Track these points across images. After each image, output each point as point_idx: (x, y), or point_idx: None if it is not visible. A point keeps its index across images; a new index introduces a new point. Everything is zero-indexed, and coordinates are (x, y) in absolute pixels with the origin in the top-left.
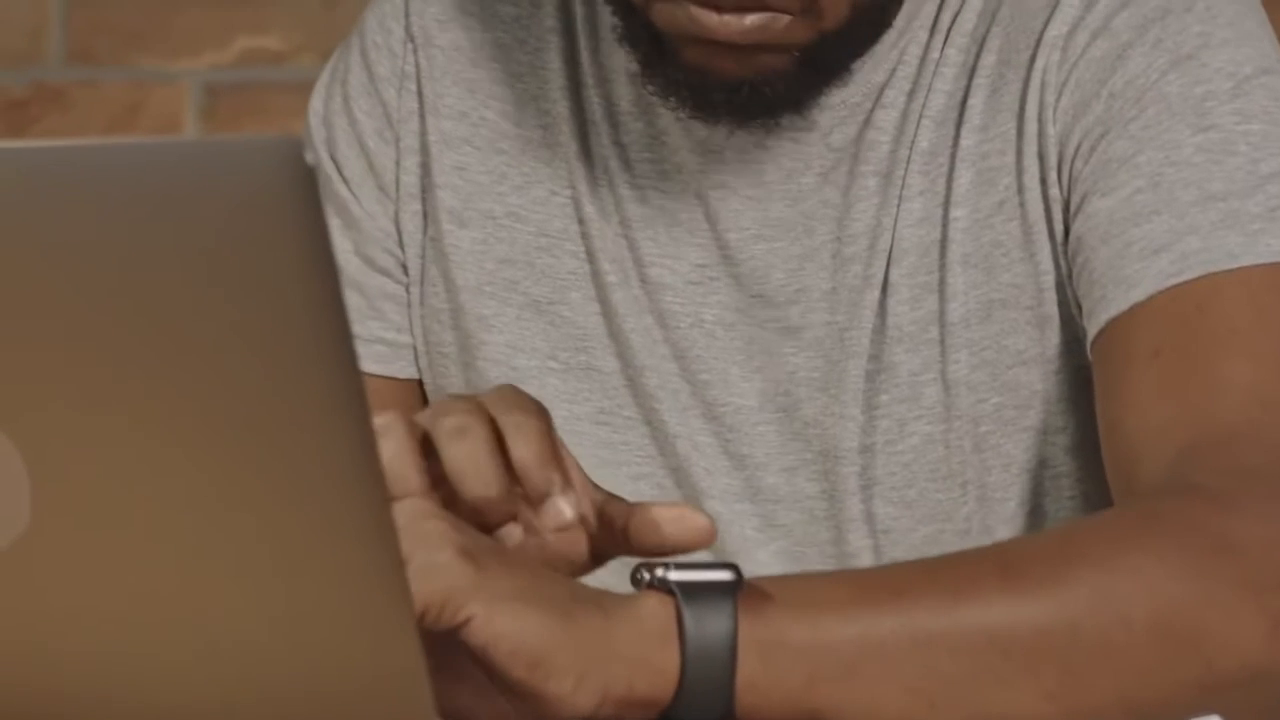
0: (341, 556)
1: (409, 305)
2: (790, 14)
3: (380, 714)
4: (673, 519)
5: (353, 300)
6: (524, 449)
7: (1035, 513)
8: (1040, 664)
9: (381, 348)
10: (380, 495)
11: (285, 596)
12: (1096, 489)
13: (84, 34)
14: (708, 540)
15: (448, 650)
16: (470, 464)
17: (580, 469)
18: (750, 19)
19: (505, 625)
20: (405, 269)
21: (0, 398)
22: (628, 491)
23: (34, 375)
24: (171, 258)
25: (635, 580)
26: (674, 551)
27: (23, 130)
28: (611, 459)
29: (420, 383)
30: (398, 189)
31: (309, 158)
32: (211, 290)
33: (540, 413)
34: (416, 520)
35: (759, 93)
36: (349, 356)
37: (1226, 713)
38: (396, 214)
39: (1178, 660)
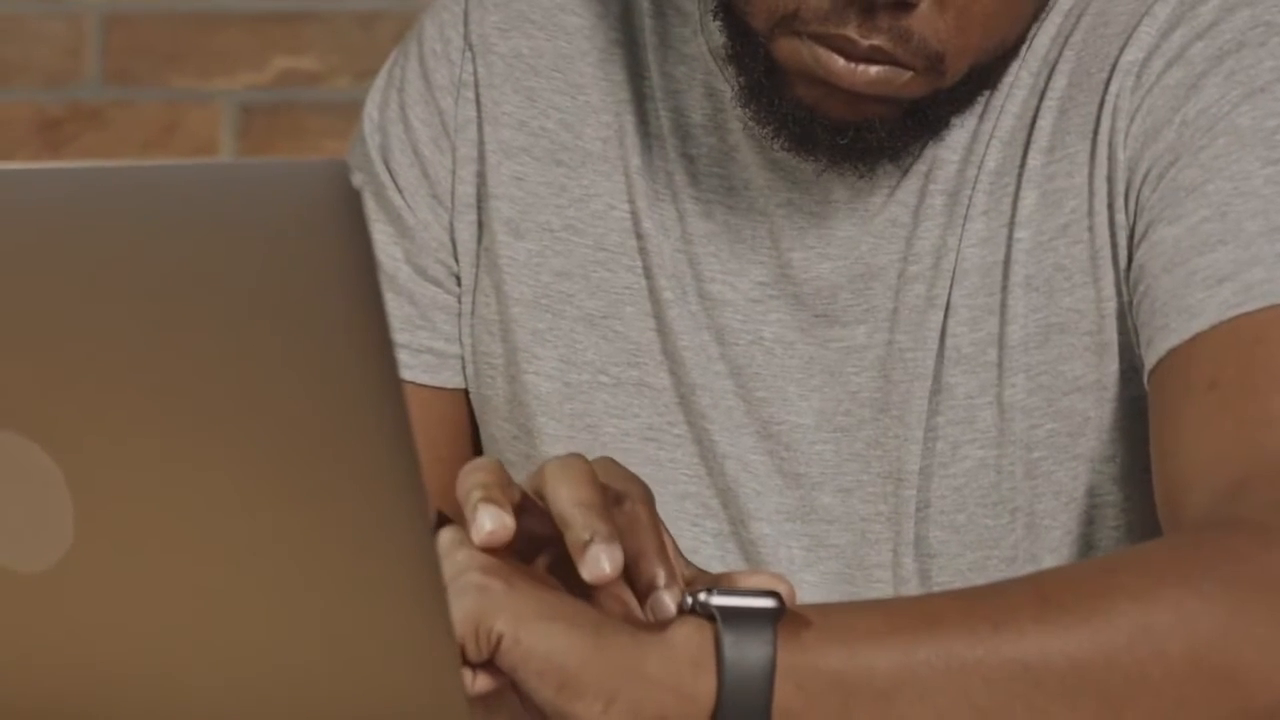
0: (384, 580)
1: (460, 315)
2: (914, 70)
3: None
4: (757, 585)
5: (404, 310)
6: (637, 544)
7: (1080, 541)
8: (1076, 696)
9: (430, 358)
10: (422, 517)
11: (326, 616)
12: (1141, 519)
13: (121, 54)
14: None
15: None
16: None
17: (675, 545)
18: (875, 70)
19: (533, 644)
20: (458, 279)
21: (44, 419)
22: (673, 510)
23: (77, 397)
24: (216, 280)
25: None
26: None
27: (59, 149)
28: (658, 476)
29: (466, 392)
30: (453, 199)
31: (356, 180)
32: (256, 313)
33: (647, 498)
34: (447, 552)
35: (862, 138)
36: (393, 379)
37: None
38: (451, 223)
39: (1214, 696)
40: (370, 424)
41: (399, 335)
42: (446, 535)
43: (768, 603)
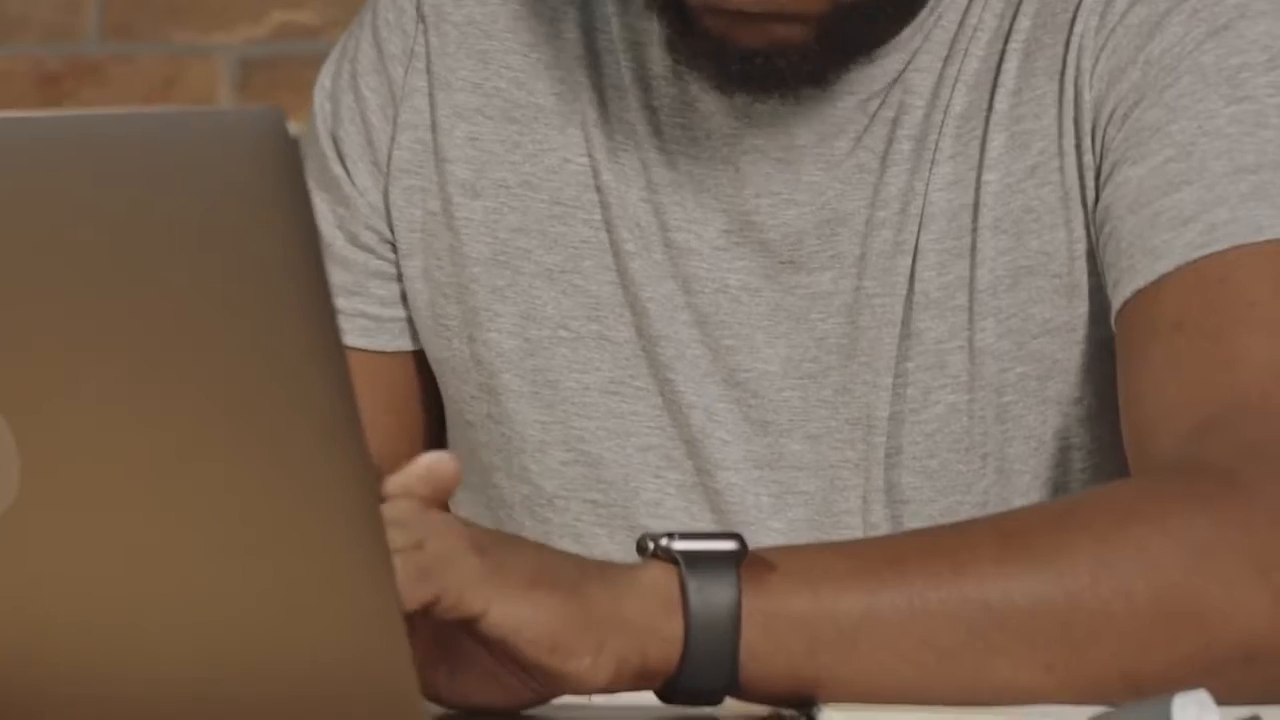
0: (324, 529)
1: (400, 279)
2: None
3: (365, 687)
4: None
5: (338, 276)
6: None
7: (1050, 485)
8: (1038, 635)
9: (365, 321)
10: (363, 469)
11: (268, 567)
12: (1108, 461)
13: (120, 8)
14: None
15: (451, 640)
16: None
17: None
18: None
19: (523, 614)
20: (393, 246)
21: None
22: (637, 463)
23: (20, 347)
24: (154, 229)
25: (640, 549)
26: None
27: (58, 104)
28: (620, 429)
29: (413, 356)
30: (389, 164)
31: (292, 129)
32: (195, 261)
33: None
34: (422, 511)
35: (773, 64)
36: (331, 325)
37: (1225, 690)
38: (386, 189)
39: (1178, 636)
40: (309, 370)
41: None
42: (411, 500)
43: (729, 545)
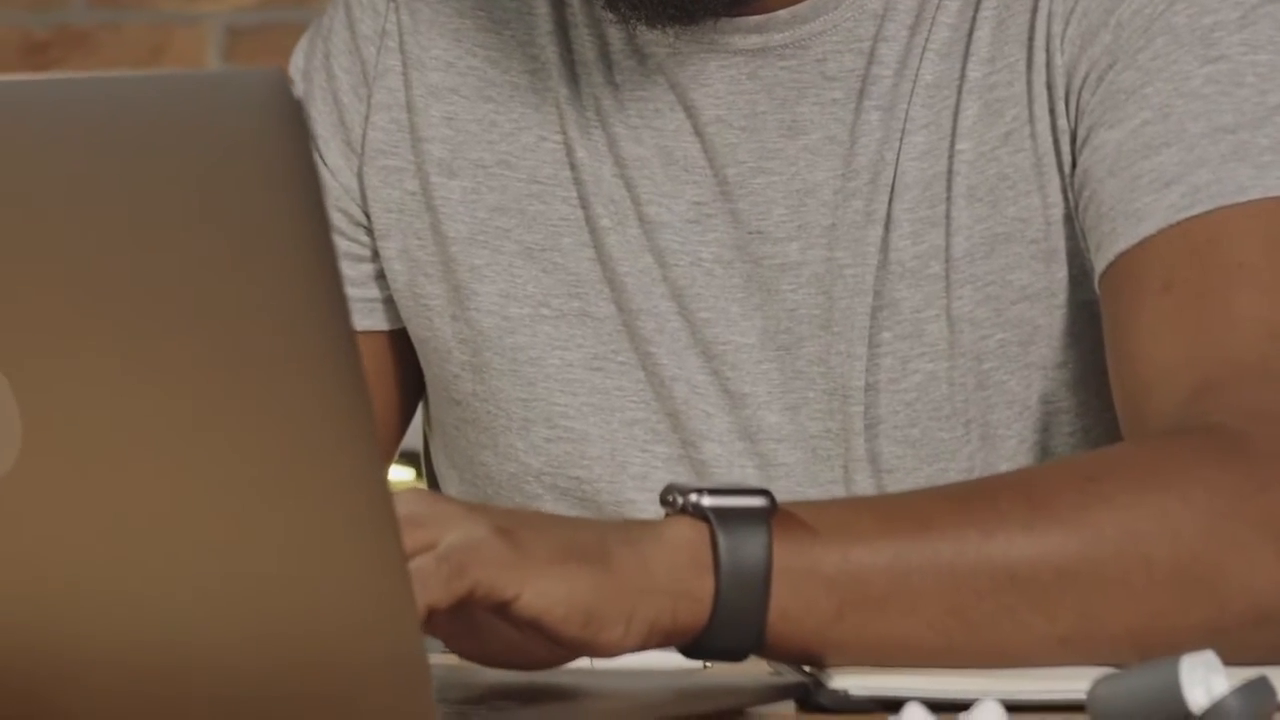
0: (329, 489)
1: (372, 260)
2: None
3: (372, 647)
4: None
5: None
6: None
7: (1036, 449)
8: (1058, 607)
9: None
10: (367, 429)
11: (272, 530)
12: (1096, 423)
13: None
14: None
15: (475, 616)
16: None
17: None
18: None
19: (554, 593)
20: (367, 229)
21: None
22: (622, 437)
23: (24, 308)
24: (159, 191)
25: (666, 502)
26: None
27: (46, 72)
28: (605, 405)
29: (386, 336)
30: (364, 145)
31: (295, 90)
32: (199, 223)
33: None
34: (433, 501)
35: None
36: (337, 286)
37: (1233, 651)
38: (360, 170)
39: (1193, 602)
40: (315, 330)
41: None
42: (419, 489)
43: (759, 501)
